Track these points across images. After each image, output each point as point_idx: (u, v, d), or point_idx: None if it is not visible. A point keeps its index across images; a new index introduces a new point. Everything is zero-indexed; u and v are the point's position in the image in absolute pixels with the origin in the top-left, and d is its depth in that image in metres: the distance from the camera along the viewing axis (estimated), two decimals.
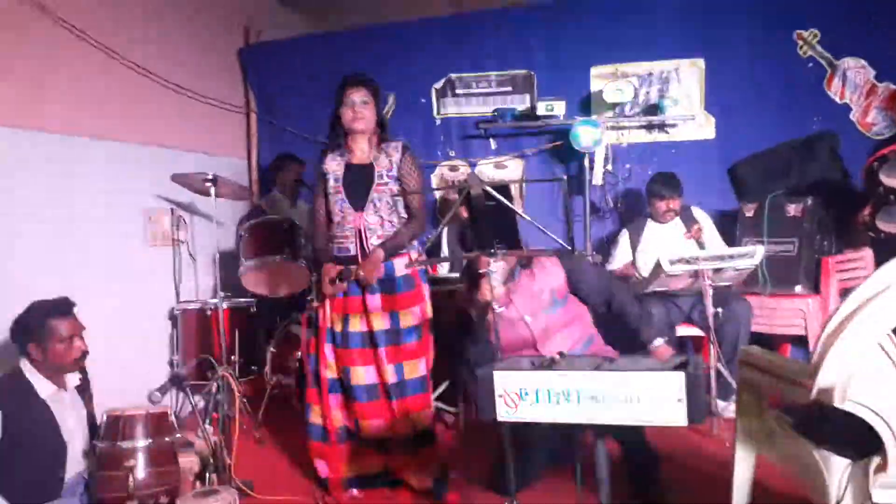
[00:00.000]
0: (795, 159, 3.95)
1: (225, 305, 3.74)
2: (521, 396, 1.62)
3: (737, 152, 4.22)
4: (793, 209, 3.77)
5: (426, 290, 2.85)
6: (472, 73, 4.65)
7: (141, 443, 2.34)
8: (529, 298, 2.68)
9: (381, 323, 2.75)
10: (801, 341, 3.94)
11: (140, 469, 2.30)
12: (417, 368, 2.77)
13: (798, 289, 3.66)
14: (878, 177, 3.16)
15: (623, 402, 1.54)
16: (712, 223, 3.98)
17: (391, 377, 2.73)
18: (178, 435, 2.47)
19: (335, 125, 2.85)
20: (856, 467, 1.58)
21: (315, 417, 2.86)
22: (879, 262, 3.71)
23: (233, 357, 3.74)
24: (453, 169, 4.60)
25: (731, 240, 3.97)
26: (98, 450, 2.35)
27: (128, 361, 3.73)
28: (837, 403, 1.50)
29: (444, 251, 4.05)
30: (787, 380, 1.66)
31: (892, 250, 3.56)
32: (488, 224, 1.86)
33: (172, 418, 2.48)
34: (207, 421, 2.93)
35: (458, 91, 4.67)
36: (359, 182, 2.79)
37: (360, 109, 2.75)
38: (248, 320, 4.08)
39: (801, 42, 4.10)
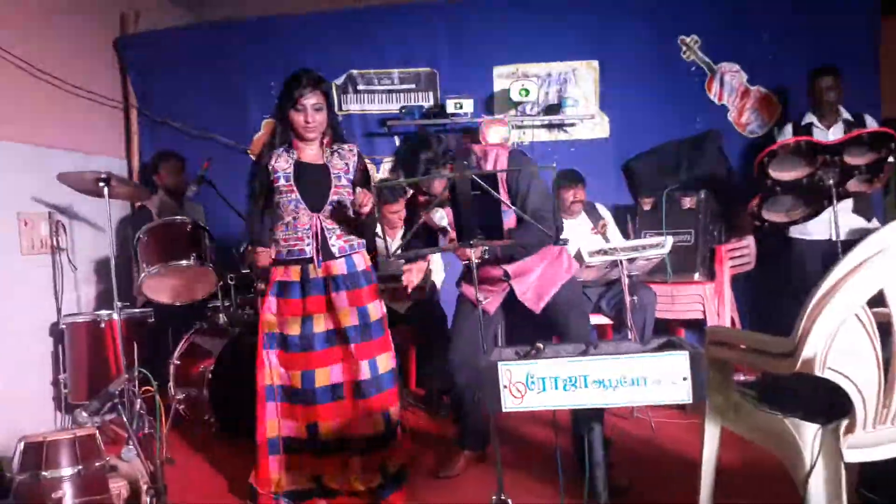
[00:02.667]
0: (685, 156, 4.26)
1: (121, 316, 3.41)
2: (527, 386, 1.61)
3: (630, 150, 4.49)
4: (688, 202, 4.06)
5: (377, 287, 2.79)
6: (374, 70, 4.58)
7: (68, 471, 2.08)
8: None
9: (350, 319, 2.64)
10: (693, 325, 4.27)
11: (69, 500, 2.05)
12: (389, 362, 2.72)
13: (696, 276, 3.94)
14: (767, 170, 3.45)
15: (630, 384, 1.57)
16: (612, 218, 4.20)
17: (365, 374, 2.63)
18: (108, 458, 2.23)
19: (282, 121, 2.68)
20: (826, 431, 1.71)
21: (270, 431, 2.70)
22: (760, 248, 4.14)
23: (134, 371, 3.42)
24: None
25: (626, 232, 4.21)
26: (16, 484, 2.06)
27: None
28: (818, 372, 1.62)
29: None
30: (763, 353, 1.77)
31: (771, 236, 3.99)
32: (472, 214, 1.83)
33: (100, 440, 2.23)
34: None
35: (360, 87, 4.59)
36: (314, 182, 2.66)
37: (313, 116, 2.61)
38: (145, 332, 3.74)
39: (684, 47, 4.42)
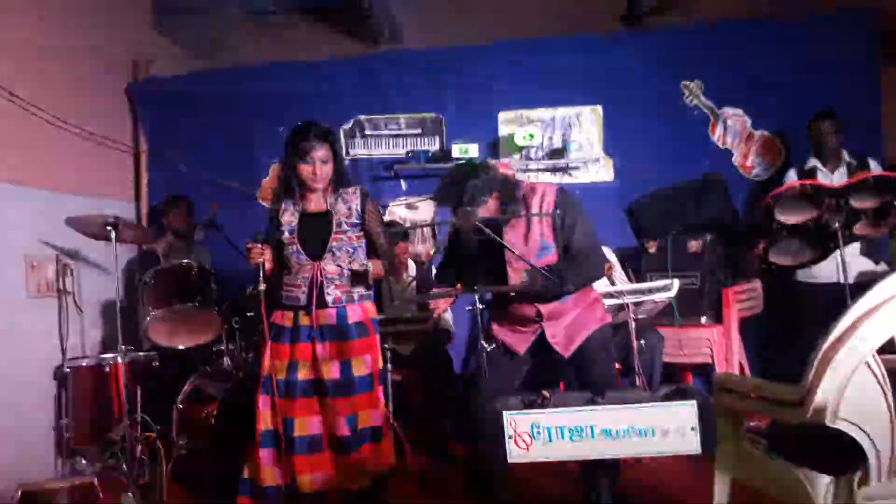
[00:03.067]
0: (690, 199, 4.26)
1: (125, 360, 3.40)
2: (533, 436, 1.58)
3: (634, 193, 4.49)
4: (693, 245, 4.05)
5: (378, 340, 2.75)
6: (380, 115, 4.64)
7: None
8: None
9: (331, 372, 2.61)
10: (702, 369, 4.22)
11: None
12: (370, 418, 2.66)
13: (704, 319, 3.91)
14: (773, 214, 3.45)
15: (637, 434, 1.54)
16: (617, 260, 4.19)
17: (343, 430, 2.59)
18: None
19: (288, 171, 2.70)
20: (839, 482, 1.68)
21: (247, 472, 2.66)
22: (768, 292, 4.11)
23: (136, 416, 3.40)
24: (411, 207, 4.52)
25: (633, 275, 4.19)
26: None
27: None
28: (829, 422, 1.59)
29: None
30: (773, 402, 1.74)
31: (779, 279, 3.97)
32: (477, 261, 1.82)
33: (98, 489, 2.20)
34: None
35: (367, 132, 4.65)
36: (315, 231, 2.68)
37: (320, 168, 2.65)
38: (149, 376, 3.72)
39: (686, 92, 4.46)
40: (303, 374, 2.62)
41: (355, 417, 2.61)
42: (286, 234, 2.70)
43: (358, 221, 2.72)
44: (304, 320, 2.65)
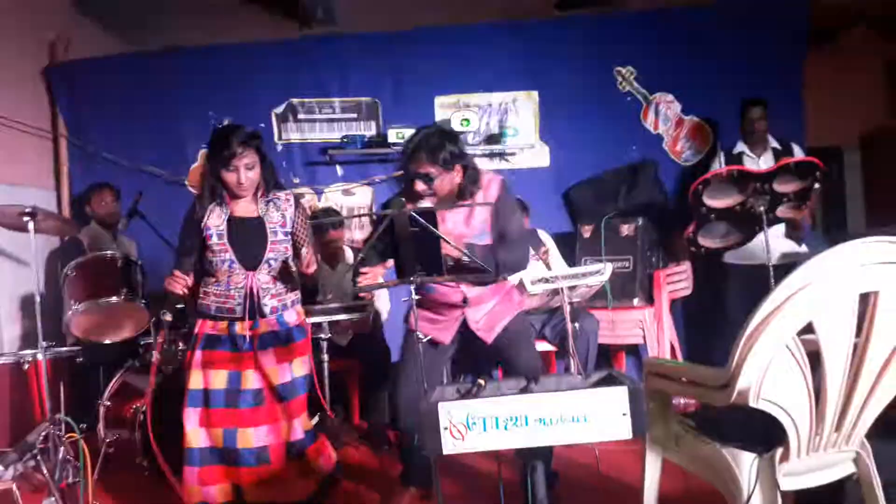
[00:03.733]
0: (623, 184, 4.35)
1: (47, 356, 3.24)
2: (468, 427, 1.58)
3: (570, 178, 4.56)
4: (626, 229, 4.14)
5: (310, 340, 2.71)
6: (315, 99, 4.54)
7: None
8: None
9: (280, 376, 2.54)
10: (633, 350, 4.33)
11: None
12: (308, 419, 2.62)
13: (636, 301, 4.00)
14: (701, 198, 3.54)
15: (570, 421, 1.56)
16: (554, 244, 4.24)
17: (295, 433, 2.53)
18: None
19: (212, 176, 2.55)
20: (762, 460, 1.74)
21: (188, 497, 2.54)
22: (696, 272, 4.23)
23: (58, 415, 3.24)
24: (347, 193, 4.43)
25: (568, 259, 4.25)
26: None
27: None
28: (752, 403, 1.64)
29: None
30: (699, 385, 1.79)
31: (707, 261, 4.09)
32: (412, 250, 1.81)
33: (16, 494, 2.09)
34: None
35: (301, 116, 4.55)
36: (247, 239, 2.56)
37: (245, 175, 2.51)
38: (73, 372, 3.56)
39: (620, 78, 4.53)
40: (247, 384, 2.53)
41: (300, 420, 2.57)
42: (214, 239, 2.54)
43: (290, 230, 2.63)
44: (240, 328, 2.55)
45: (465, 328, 2.67)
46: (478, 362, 2.97)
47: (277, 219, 2.61)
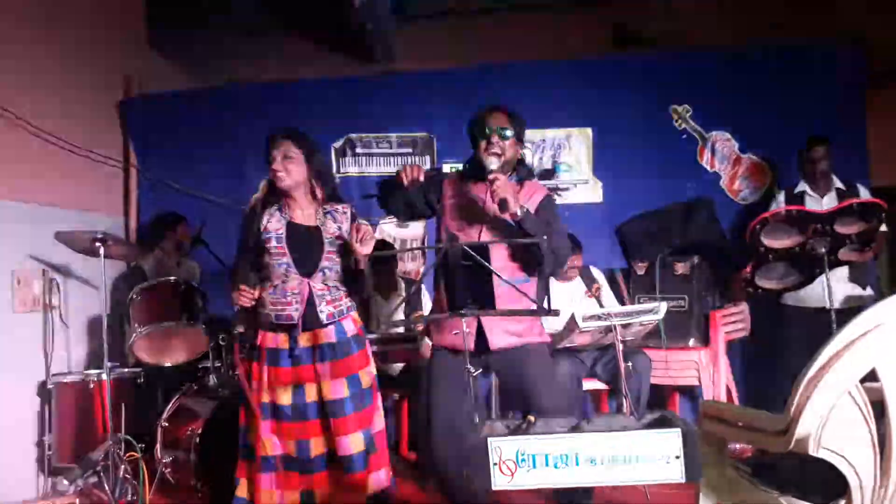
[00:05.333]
0: (678, 222, 4.30)
1: (111, 377, 3.37)
2: (517, 463, 1.58)
3: (623, 215, 4.52)
4: (681, 267, 4.08)
5: (370, 349, 2.74)
6: (372, 134, 4.66)
7: None
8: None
9: (334, 391, 2.58)
10: (687, 391, 4.23)
11: None
12: (376, 428, 2.66)
13: (691, 342, 3.92)
14: (759, 238, 3.48)
15: (621, 462, 1.55)
16: (606, 281, 4.21)
17: (351, 448, 2.56)
18: None
19: (270, 183, 2.71)
20: None
21: (241, 491, 2.63)
22: (754, 314, 4.14)
23: (119, 435, 3.36)
24: (401, 225, 4.52)
25: (621, 297, 4.21)
26: None
27: None
28: (812, 452, 1.60)
29: (427, 308, 4.00)
30: (757, 430, 1.75)
31: (766, 303, 3.99)
32: (463, 283, 1.83)
33: None
34: None
35: (359, 150, 4.66)
36: (305, 245, 2.63)
37: (281, 165, 2.59)
38: (134, 393, 3.69)
39: (675, 116, 4.51)
40: (311, 396, 2.60)
41: (370, 431, 2.61)
42: (273, 242, 2.62)
43: (343, 242, 2.68)
44: (302, 341, 2.61)
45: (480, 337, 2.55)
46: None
47: (334, 230, 2.67)
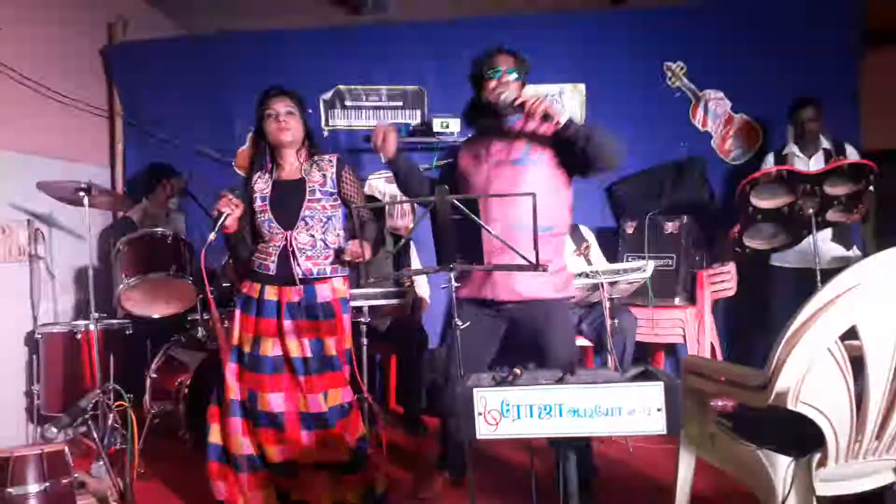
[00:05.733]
0: (668, 181, 4.30)
1: (98, 327, 3.37)
2: (502, 413, 1.60)
3: (614, 174, 4.49)
4: (670, 227, 4.09)
5: (347, 319, 2.71)
6: (361, 86, 4.59)
7: (35, 487, 2.05)
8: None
9: (298, 350, 2.58)
10: (674, 350, 4.29)
11: None
12: (340, 396, 2.64)
13: (677, 300, 3.95)
14: (748, 198, 3.48)
15: (604, 414, 1.57)
16: (596, 240, 4.21)
17: (313, 407, 2.57)
18: (76, 475, 2.19)
19: (258, 142, 2.70)
20: (798, 464, 1.72)
21: (214, 437, 2.64)
22: (741, 274, 4.17)
23: (108, 384, 3.37)
24: (390, 181, 4.49)
25: (610, 255, 4.22)
26: None
27: None
28: (791, 406, 1.63)
29: (415, 263, 4.02)
30: (737, 385, 1.78)
31: (753, 263, 4.02)
32: (452, 238, 1.83)
33: (68, 456, 2.20)
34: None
35: (348, 103, 4.60)
36: (288, 199, 2.64)
37: (285, 119, 2.62)
38: (122, 344, 3.70)
39: (669, 73, 4.46)
40: (266, 350, 2.59)
41: (326, 395, 2.60)
42: (258, 202, 2.66)
43: (333, 190, 2.67)
44: (269, 293, 2.61)
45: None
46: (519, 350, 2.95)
47: (318, 178, 2.67)
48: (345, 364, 2.69)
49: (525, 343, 2.69)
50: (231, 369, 2.64)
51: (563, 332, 2.71)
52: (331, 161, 2.71)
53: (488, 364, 2.69)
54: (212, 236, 2.49)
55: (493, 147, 2.68)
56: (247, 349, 2.63)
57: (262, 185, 2.69)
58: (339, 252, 2.66)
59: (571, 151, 2.55)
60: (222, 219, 2.49)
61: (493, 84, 2.60)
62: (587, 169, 2.62)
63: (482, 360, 2.63)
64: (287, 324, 2.60)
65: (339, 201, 2.71)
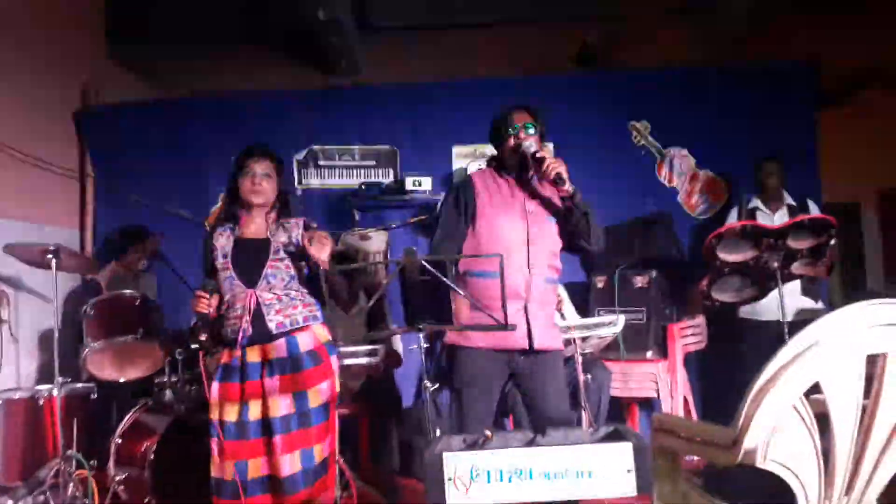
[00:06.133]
0: (638, 236, 4.37)
1: (62, 393, 3.28)
2: (472, 479, 1.58)
3: None
4: (640, 281, 4.14)
5: (335, 363, 2.67)
6: (335, 146, 4.65)
7: None
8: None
9: (280, 408, 2.53)
10: (646, 404, 4.28)
11: None
12: (324, 449, 2.60)
13: (649, 354, 3.97)
14: (715, 252, 3.55)
15: (574, 476, 1.56)
16: (567, 295, 4.24)
17: (297, 465, 2.50)
18: None
19: (231, 196, 2.71)
20: None
21: None
22: (710, 327, 4.21)
23: (69, 452, 3.26)
24: (364, 238, 4.50)
25: (581, 309, 4.24)
26: None
27: None
28: (759, 464, 1.63)
29: (389, 321, 3.99)
30: (707, 443, 1.77)
31: (722, 316, 4.07)
32: (420, 299, 1.83)
33: None
34: None
35: (321, 162, 4.65)
36: (251, 257, 2.63)
37: (260, 181, 2.64)
38: (86, 408, 3.59)
39: (635, 132, 4.60)
40: (254, 414, 2.54)
41: (311, 451, 2.54)
42: (220, 259, 2.64)
43: (294, 251, 2.67)
44: (251, 356, 2.58)
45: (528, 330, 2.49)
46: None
47: (283, 239, 2.67)
48: (332, 413, 2.64)
49: (522, 395, 2.64)
50: (215, 445, 2.56)
51: (562, 384, 2.66)
52: (297, 223, 2.72)
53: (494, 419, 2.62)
54: (203, 337, 2.58)
55: (526, 199, 2.63)
56: (233, 419, 2.56)
57: (223, 241, 2.67)
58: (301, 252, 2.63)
59: (566, 221, 2.59)
60: (204, 320, 2.55)
61: (512, 141, 2.62)
62: (570, 242, 2.65)
63: (489, 420, 2.52)
64: (270, 382, 2.55)
65: (302, 261, 2.70)
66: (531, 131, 2.66)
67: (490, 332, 2.28)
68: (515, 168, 2.64)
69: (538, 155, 2.53)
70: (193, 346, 2.54)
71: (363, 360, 3.36)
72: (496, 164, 2.76)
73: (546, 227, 2.61)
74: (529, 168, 2.60)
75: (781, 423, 1.61)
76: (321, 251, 2.51)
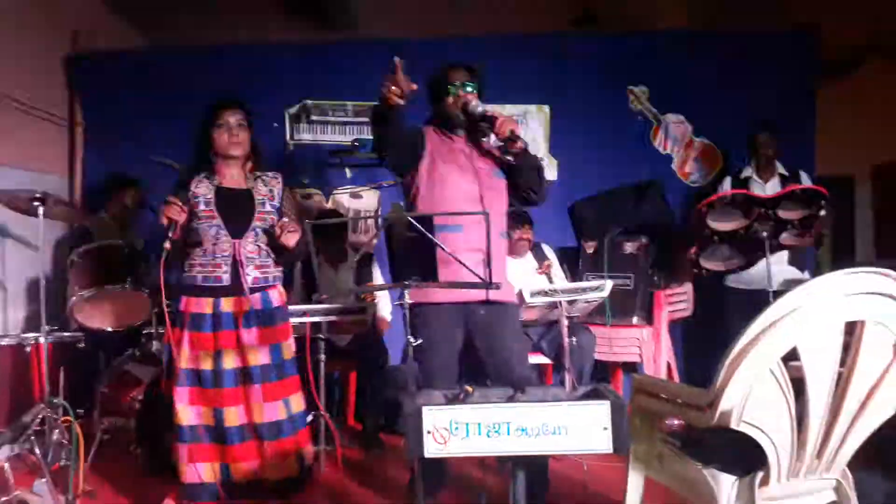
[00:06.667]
0: (629, 202, 4.36)
1: (48, 340, 3.28)
2: (451, 431, 1.60)
3: (576, 194, 4.57)
4: (629, 247, 4.15)
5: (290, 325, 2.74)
6: (328, 101, 4.59)
7: None
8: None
9: (259, 357, 2.57)
10: (630, 368, 4.32)
11: None
12: (301, 402, 2.65)
13: (635, 320, 4.00)
14: (705, 220, 3.55)
15: (551, 432, 1.58)
16: (557, 259, 4.25)
17: (276, 415, 2.56)
18: (16, 493, 2.13)
19: (203, 148, 2.68)
20: (742, 483, 1.75)
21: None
22: (697, 294, 4.24)
23: (54, 398, 3.28)
24: (355, 196, 4.47)
25: (570, 274, 4.26)
26: None
27: None
28: (734, 425, 1.66)
29: (378, 280, 4.00)
30: (684, 404, 1.80)
31: (709, 284, 4.09)
32: (407, 256, 1.83)
33: (9, 473, 2.13)
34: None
35: (314, 118, 4.59)
36: (236, 208, 2.63)
37: (237, 133, 2.63)
38: (74, 357, 3.60)
39: (632, 97, 4.55)
40: (229, 363, 2.57)
41: (289, 401, 2.60)
42: (202, 206, 2.61)
43: (277, 206, 2.70)
44: (225, 306, 2.59)
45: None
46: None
47: (265, 192, 2.69)
48: (296, 369, 2.71)
49: (480, 348, 2.64)
50: (184, 394, 2.59)
51: (520, 336, 2.73)
52: (276, 178, 2.75)
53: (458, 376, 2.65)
54: (167, 245, 2.46)
55: (476, 157, 2.66)
56: (207, 367, 2.58)
57: (204, 189, 2.65)
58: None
59: (517, 175, 2.63)
60: (173, 227, 2.47)
61: (450, 100, 2.61)
62: (518, 196, 2.70)
63: (452, 373, 2.56)
64: (246, 333, 2.58)
65: (279, 217, 2.71)
66: (468, 89, 2.66)
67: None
68: (463, 126, 2.65)
69: (488, 114, 2.55)
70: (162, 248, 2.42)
71: (350, 317, 3.36)
72: (439, 122, 2.76)
73: (496, 184, 2.66)
74: (479, 128, 2.64)
75: (757, 386, 1.64)
76: (290, 239, 2.57)
